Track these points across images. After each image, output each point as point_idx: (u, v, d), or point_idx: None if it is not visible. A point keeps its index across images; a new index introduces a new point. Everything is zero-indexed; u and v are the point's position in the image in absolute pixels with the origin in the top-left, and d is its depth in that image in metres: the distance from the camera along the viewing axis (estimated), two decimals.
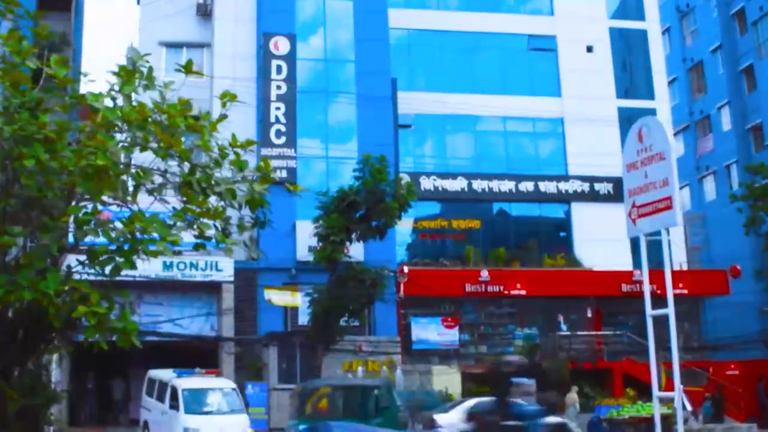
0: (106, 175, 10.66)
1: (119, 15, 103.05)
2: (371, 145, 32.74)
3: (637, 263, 37.87)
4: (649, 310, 14.48)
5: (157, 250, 11.26)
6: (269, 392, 31.15)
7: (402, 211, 29.58)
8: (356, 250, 32.04)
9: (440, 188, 37.43)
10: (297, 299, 30.78)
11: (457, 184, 37.60)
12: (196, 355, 34.62)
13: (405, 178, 34.01)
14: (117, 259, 11.37)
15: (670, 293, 13.97)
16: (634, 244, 38.37)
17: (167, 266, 32.16)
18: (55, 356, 28.93)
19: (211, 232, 12.95)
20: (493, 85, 39.25)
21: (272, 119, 34.87)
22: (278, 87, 35.22)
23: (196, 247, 13.06)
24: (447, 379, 33.01)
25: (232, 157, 12.55)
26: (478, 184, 37.74)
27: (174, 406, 25.45)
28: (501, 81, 39.48)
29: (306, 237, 32.06)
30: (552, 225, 39.49)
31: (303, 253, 33.16)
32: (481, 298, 35.86)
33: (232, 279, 32.54)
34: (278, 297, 30.38)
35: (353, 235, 29.67)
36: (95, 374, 35.53)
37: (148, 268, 30.99)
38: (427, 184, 37.19)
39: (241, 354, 32.94)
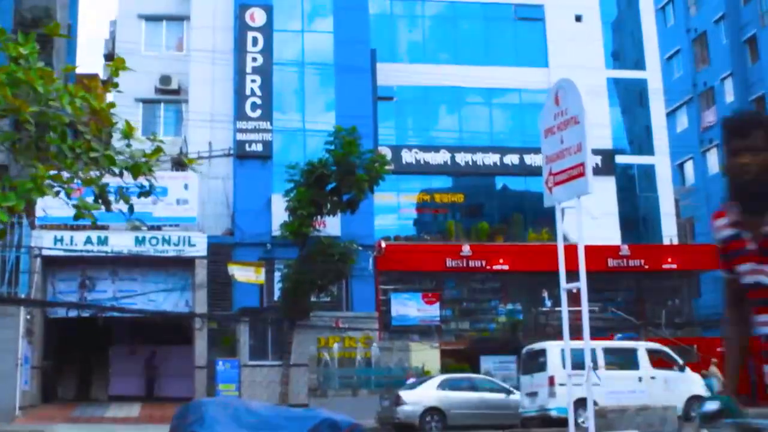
0: None
1: None
2: (350, 117, 32.07)
3: (625, 238, 37.12)
4: (564, 284, 13.70)
5: None
6: (240, 368, 30.70)
7: (374, 184, 28.96)
8: (333, 225, 31.51)
9: (422, 161, 36.66)
10: (261, 276, 30.20)
11: (440, 158, 36.82)
12: (173, 330, 34.42)
13: (385, 152, 33.46)
14: None
15: (582, 267, 13.17)
16: (623, 218, 37.74)
17: (139, 241, 31.88)
18: (21, 330, 28.81)
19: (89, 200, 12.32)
20: (477, 56, 38.37)
21: (248, 92, 34.27)
22: (254, 59, 34.60)
23: (76, 217, 12.45)
24: (425, 355, 32.42)
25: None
26: (462, 158, 36.95)
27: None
28: (486, 51, 38.58)
29: (281, 212, 31.49)
30: (537, 199, 38.30)
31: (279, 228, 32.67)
32: (463, 274, 35.13)
33: (205, 254, 32.14)
34: (241, 273, 29.83)
35: (324, 209, 29.16)
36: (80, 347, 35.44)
37: (120, 243, 31.09)
38: (408, 157, 36.46)
39: (215, 330, 32.53)
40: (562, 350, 21.69)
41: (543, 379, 23.63)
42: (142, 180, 11.99)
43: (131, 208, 12.46)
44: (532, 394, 24.19)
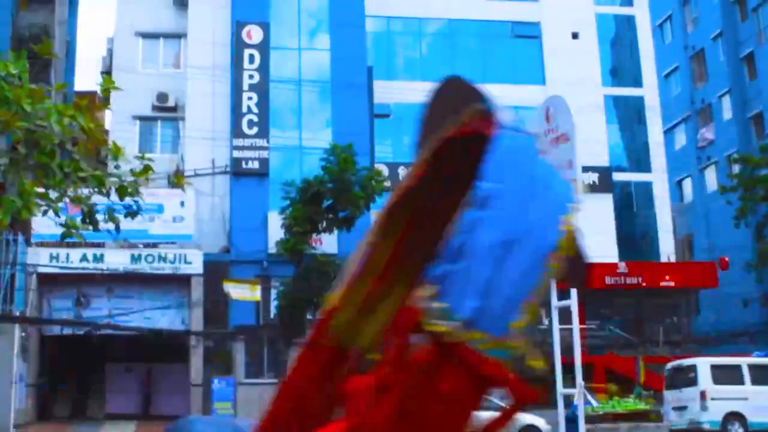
0: None
1: (97, 5, 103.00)
2: (346, 134, 31.99)
3: (623, 256, 37.03)
4: (555, 302, 13.61)
5: None
6: (236, 387, 30.55)
7: (370, 201, 28.86)
8: (329, 242, 31.44)
9: None
10: (256, 293, 30.10)
11: None
12: (169, 348, 34.27)
13: (382, 169, 33.38)
14: None
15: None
16: (621, 235, 37.67)
17: (135, 259, 31.83)
18: (16, 348, 28.73)
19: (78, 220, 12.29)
20: (474, 74, 37.55)
21: (244, 109, 34.28)
22: (251, 76, 34.63)
23: (63, 236, 12.42)
24: None
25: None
26: None
27: None
28: (482, 69, 38.44)
29: (278, 229, 31.40)
30: None
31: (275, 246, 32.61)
32: None
33: (201, 272, 32.07)
34: (237, 290, 29.72)
35: (320, 226, 29.08)
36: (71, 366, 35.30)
37: (116, 260, 30.97)
38: (405, 174, 36.31)
39: (212, 348, 32.42)
40: (712, 366, 24.41)
41: (693, 394, 24.53)
42: (129, 200, 11.98)
43: (118, 228, 12.41)
44: (680, 408, 25.11)
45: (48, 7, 35.76)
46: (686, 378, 25.17)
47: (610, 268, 35.48)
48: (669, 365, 26.90)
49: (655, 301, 36.85)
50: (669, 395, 26.09)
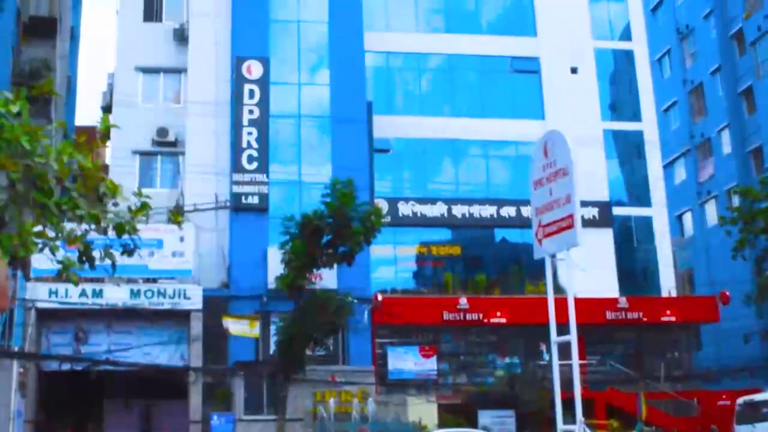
0: None
1: (98, 39, 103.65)
2: (346, 169, 32.07)
3: (623, 290, 36.94)
4: (554, 337, 13.58)
5: None
6: (236, 423, 30.35)
7: (370, 237, 28.77)
8: (329, 278, 31.41)
9: (419, 214, 36.60)
10: (255, 329, 29.98)
11: (437, 210, 36.75)
12: (168, 384, 34.06)
13: (382, 204, 33.37)
14: None
15: (572, 319, 13.08)
16: (621, 270, 37.60)
17: (135, 294, 31.73)
18: (14, 384, 28.57)
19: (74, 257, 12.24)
20: (474, 109, 38.55)
21: (244, 144, 34.32)
22: (251, 111, 34.71)
23: (59, 273, 12.37)
24: (422, 409, 32.11)
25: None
26: (459, 210, 36.88)
27: None
28: (482, 104, 38.72)
29: (277, 264, 31.32)
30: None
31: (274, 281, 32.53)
32: (460, 327, 34.92)
33: (200, 307, 31.95)
34: (236, 326, 29.61)
35: (319, 262, 28.97)
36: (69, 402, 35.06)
37: (115, 295, 30.93)
38: (405, 209, 36.38)
39: (211, 384, 32.24)
40: None
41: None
42: (126, 237, 11.95)
43: (114, 266, 12.36)
44: None
45: (49, 43, 35.91)
46: (760, 413, 24.99)
47: (611, 302, 35.43)
48: (741, 400, 26.72)
49: (656, 336, 36.71)
50: (741, 430, 25.78)
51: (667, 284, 38.07)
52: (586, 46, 40.21)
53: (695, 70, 52.96)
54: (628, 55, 41.28)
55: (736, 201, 44.18)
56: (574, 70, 39.54)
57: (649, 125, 40.39)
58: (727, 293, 35.37)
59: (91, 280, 29.83)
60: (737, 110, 49.18)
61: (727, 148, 49.50)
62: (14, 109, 11.50)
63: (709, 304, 36.88)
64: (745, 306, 37.00)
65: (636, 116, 40.61)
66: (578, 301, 34.94)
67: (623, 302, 35.56)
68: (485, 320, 34.48)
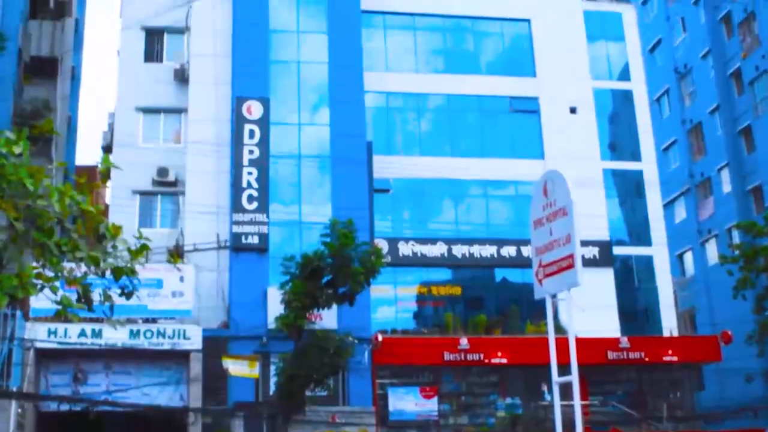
0: None
1: (99, 79, 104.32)
2: (346, 209, 32.14)
3: (624, 330, 36.80)
4: (555, 378, 13.50)
5: None
6: None
7: (370, 277, 28.73)
8: (329, 318, 31.36)
9: (419, 254, 36.57)
10: (255, 369, 29.84)
11: (437, 250, 36.73)
12: (168, 425, 33.84)
13: (382, 244, 33.37)
14: None
15: (574, 359, 13.01)
16: (622, 310, 37.48)
17: (134, 334, 31.62)
18: (12, 425, 28.39)
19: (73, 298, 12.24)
20: (473, 148, 38.66)
21: (244, 184, 34.35)
22: (251, 151, 34.78)
23: (58, 314, 12.36)
24: None
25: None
26: (459, 250, 36.85)
27: None
28: (482, 144, 38.84)
29: (277, 304, 31.26)
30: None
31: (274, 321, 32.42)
32: (461, 367, 34.73)
33: (200, 348, 31.85)
34: (235, 367, 29.46)
35: (319, 302, 28.91)
36: None
37: (115, 335, 30.80)
38: (405, 249, 36.35)
39: (210, 425, 32.02)
40: None
41: None
42: (125, 278, 11.96)
43: (112, 308, 12.35)
44: None
45: (50, 82, 36.13)
46: None
47: (612, 342, 35.24)
48: None
49: (658, 376, 36.50)
50: None
51: (669, 324, 37.96)
52: (585, 86, 40.39)
53: (694, 109, 53.20)
54: (627, 95, 41.47)
55: (737, 238, 44.19)
56: (573, 110, 39.70)
57: (648, 164, 40.46)
58: (729, 333, 35.20)
59: (91, 320, 29.75)
60: (736, 149, 49.34)
61: (727, 186, 49.58)
62: (16, 149, 11.54)
63: (711, 343, 36.71)
64: (747, 345, 36.82)
65: (635, 156, 40.69)
66: (579, 341, 34.85)
67: (625, 342, 35.36)
68: (486, 360, 34.28)
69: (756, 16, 48.17)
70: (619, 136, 41.65)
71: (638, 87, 41.57)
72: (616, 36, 42.34)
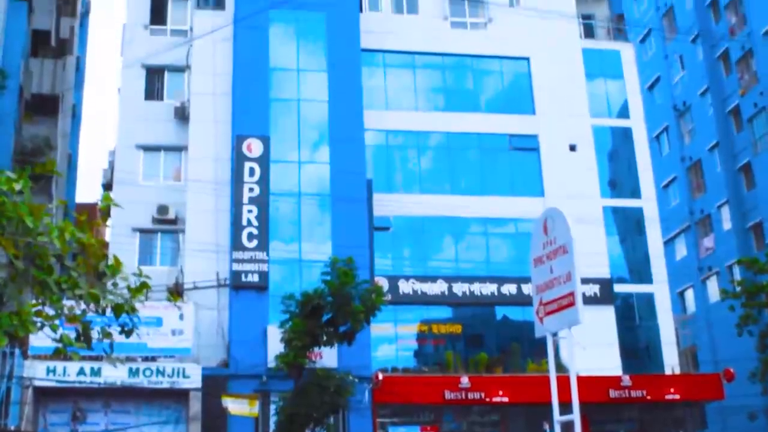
0: None
1: (99, 117, 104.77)
2: (346, 247, 32.15)
3: (626, 368, 36.62)
4: (557, 416, 13.40)
5: None
6: None
7: (370, 315, 28.65)
8: (329, 357, 31.24)
9: (419, 292, 36.48)
10: (255, 408, 29.65)
11: (437, 288, 36.64)
12: None
13: (382, 282, 33.29)
14: None
15: (575, 398, 12.93)
16: (624, 348, 37.31)
17: (133, 372, 31.47)
18: None
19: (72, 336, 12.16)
20: (473, 186, 38.69)
21: (244, 222, 34.35)
22: (251, 189, 34.82)
23: (57, 352, 12.27)
24: None
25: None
26: (459, 287, 36.76)
27: None
28: (481, 182, 38.87)
29: (277, 343, 31.15)
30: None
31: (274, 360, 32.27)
32: (461, 406, 34.53)
33: (199, 386, 31.68)
34: (235, 405, 29.28)
35: (320, 340, 28.80)
36: None
37: (114, 374, 30.66)
38: (405, 287, 36.27)
39: None
40: None
41: None
42: (125, 316, 11.89)
43: (111, 346, 12.28)
44: None
45: (51, 120, 36.28)
46: None
47: (614, 381, 35.04)
48: None
49: (661, 415, 36.27)
50: None
51: (671, 362, 37.78)
52: (585, 124, 40.50)
53: (693, 146, 53.36)
54: (627, 133, 41.57)
55: (738, 275, 44.13)
56: (572, 148, 39.78)
57: (648, 202, 40.47)
58: (732, 370, 35.04)
59: (90, 359, 29.66)
60: (736, 186, 49.42)
61: (727, 223, 49.61)
62: (17, 187, 11.54)
63: (714, 381, 36.51)
64: (750, 383, 36.64)
65: (635, 193, 40.73)
66: (581, 380, 34.68)
67: (626, 380, 35.16)
68: (487, 399, 34.09)
69: (753, 54, 48.46)
70: (618, 174, 41.71)
71: (637, 124, 41.69)
72: (615, 74, 42.51)
